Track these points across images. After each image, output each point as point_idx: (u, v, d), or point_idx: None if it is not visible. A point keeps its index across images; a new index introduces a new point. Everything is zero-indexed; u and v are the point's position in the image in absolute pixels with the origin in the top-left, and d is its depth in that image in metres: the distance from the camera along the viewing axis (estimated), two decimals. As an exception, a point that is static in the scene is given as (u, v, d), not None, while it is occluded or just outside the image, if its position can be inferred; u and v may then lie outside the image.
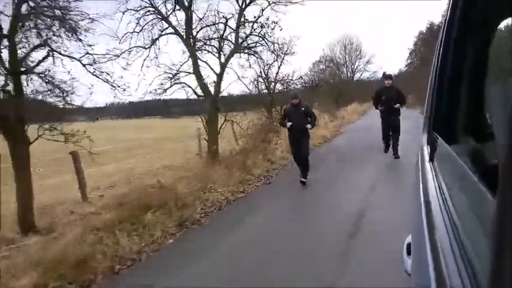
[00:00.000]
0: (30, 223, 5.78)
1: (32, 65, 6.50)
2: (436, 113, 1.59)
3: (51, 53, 6.57)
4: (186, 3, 9.72)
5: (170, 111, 14.72)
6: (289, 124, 7.99)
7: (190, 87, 10.33)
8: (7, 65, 6.35)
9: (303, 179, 8.08)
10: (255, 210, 6.21)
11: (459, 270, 0.66)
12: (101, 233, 4.67)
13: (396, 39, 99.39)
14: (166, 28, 9.77)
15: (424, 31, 58.95)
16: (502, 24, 1.15)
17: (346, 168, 9.33)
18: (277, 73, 13.09)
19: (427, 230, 1.00)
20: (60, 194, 7.84)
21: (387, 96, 9.65)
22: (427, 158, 1.56)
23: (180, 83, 10.19)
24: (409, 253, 1.42)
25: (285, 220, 5.99)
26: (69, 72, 6.70)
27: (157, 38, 9.67)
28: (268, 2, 10.58)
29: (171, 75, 10.03)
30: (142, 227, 5.09)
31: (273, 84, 13.21)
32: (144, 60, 9.44)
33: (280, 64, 12.75)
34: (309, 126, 7.96)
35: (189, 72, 10.08)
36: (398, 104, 9.53)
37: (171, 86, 10.14)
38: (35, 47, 6.57)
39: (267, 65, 12.31)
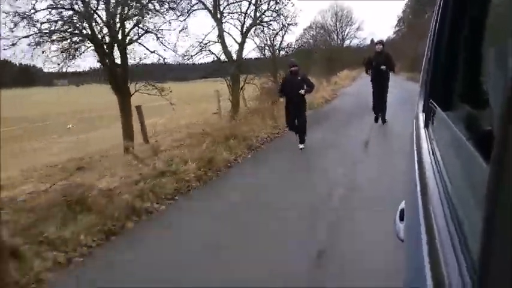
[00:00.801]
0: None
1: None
2: (432, 80, 1.55)
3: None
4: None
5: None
6: (280, 95, 8.92)
7: (214, 53, 12.30)
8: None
9: (300, 145, 8.25)
10: (294, 140, 8.36)
11: (451, 235, 0.66)
12: (211, 148, 7.32)
13: (386, 5, 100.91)
14: (196, 3, 11.69)
15: None
16: None
17: (350, 118, 11.51)
18: (281, 42, 14.55)
19: (420, 196, 1.01)
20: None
21: (377, 61, 9.84)
22: (422, 124, 1.54)
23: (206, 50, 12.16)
24: (402, 219, 1.40)
25: (320, 140, 8.95)
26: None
27: (191, 11, 11.41)
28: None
29: (200, 43, 11.91)
30: (229, 148, 7.70)
31: (277, 51, 14.59)
32: (180, 31, 11.12)
33: (284, 33, 14.22)
34: (302, 91, 8.10)
35: (216, 42, 12.10)
36: (384, 66, 9.70)
37: (200, 52, 12.05)
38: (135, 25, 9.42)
39: (274, 34, 13.83)
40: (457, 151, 0.90)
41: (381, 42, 10.62)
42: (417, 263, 0.78)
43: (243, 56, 12.52)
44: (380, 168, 6.27)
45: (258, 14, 12.43)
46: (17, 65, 12.37)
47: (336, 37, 44.45)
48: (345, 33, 45.39)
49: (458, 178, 0.82)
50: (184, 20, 11.22)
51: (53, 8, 8.23)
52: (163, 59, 10.16)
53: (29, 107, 21.14)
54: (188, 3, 11.23)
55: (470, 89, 1.18)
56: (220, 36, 11.92)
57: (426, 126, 1.49)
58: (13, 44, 8.04)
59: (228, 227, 4.35)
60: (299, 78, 8.24)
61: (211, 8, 11.75)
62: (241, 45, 12.29)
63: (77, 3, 8.48)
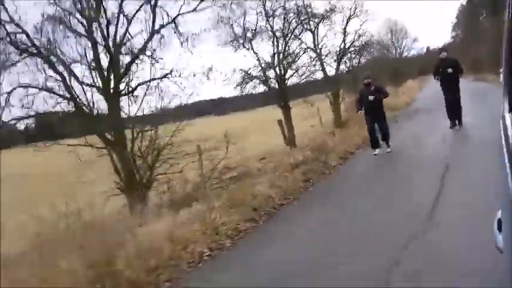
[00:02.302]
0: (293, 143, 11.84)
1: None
2: None
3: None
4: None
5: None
6: (360, 112, 9.25)
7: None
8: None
9: (388, 149, 8.88)
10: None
11: None
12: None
13: (436, 14, 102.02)
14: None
15: (465, 3, 60.24)
16: None
17: (434, 112, 12.74)
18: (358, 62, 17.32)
19: None
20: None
21: (444, 66, 9.79)
22: (510, 126, 1.41)
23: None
24: (500, 229, 1.32)
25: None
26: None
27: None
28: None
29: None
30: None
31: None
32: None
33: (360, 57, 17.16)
34: (370, 97, 8.75)
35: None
36: (451, 70, 9.59)
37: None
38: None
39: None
40: None
41: (444, 49, 10.94)
42: None
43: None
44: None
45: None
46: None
47: (393, 51, 46.63)
48: (402, 46, 47.28)
49: None
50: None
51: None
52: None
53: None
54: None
55: None
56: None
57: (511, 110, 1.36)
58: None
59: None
60: (372, 88, 8.98)
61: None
62: (337, 68, 15.93)
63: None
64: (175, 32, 9.05)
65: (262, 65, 13.60)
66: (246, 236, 5.07)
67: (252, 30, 13.24)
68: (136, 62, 8.47)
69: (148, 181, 7.78)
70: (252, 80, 13.94)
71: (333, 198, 6.37)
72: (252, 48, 13.40)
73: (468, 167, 5.96)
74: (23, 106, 8.00)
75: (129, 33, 8.42)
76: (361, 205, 5.44)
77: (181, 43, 9.22)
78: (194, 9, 9.29)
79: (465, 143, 8.12)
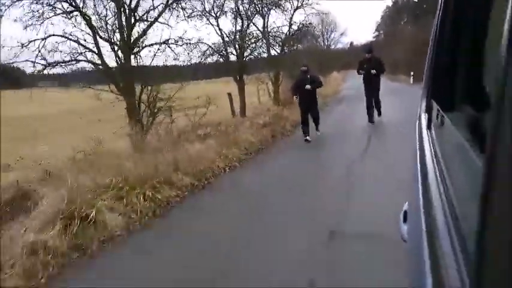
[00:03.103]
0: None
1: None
2: (434, 81, 1.58)
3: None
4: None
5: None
6: (296, 97, 9.92)
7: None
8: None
9: (318, 132, 9.66)
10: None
11: (451, 237, 0.69)
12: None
13: (365, 9, 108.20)
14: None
15: (390, 5, 62.93)
16: None
17: (357, 100, 14.00)
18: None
19: (422, 198, 1.03)
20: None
21: (368, 65, 10.46)
22: (424, 125, 1.59)
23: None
24: (405, 220, 1.46)
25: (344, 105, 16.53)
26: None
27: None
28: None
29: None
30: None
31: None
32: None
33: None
34: (308, 86, 9.07)
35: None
36: (374, 71, 10.31)
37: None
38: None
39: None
40: (457, 152, 0.90)
41: (370, 49, 11.41)
42: (419, 264, 0.80)
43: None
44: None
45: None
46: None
47: (322, 42, 49.69)
48: (330, 39, 49.21)
49: (459, 180, 0.83)
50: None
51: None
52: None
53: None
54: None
55: (472, 90, 1.18)
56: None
57: (428, 127, 1.52)
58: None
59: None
60: (309, 76, 9.37)
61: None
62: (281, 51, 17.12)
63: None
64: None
65: (225, 40, 14.78)
66: (246, 161, 7.98)
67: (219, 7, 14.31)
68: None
69: (151, 124, 10.01)
70: (213, 54, 14.99)
71: (298, 146, 9.40)
72: (218, 25, 14.52)
73: (382, 135, 9.33)
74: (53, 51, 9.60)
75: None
76: (321, 148, 8.78)
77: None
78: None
79: (381, 122, 10.72)
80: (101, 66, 10.03)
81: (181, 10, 11.21)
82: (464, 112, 1.17)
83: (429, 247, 0.78)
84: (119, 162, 6.01)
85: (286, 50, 17.42)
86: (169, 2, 10.67)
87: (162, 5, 10.61)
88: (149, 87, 9.97)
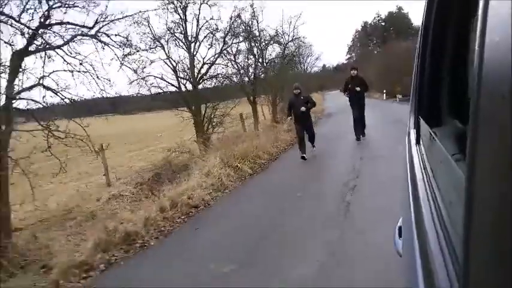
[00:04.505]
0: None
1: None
2: (420, 97, 1.59)
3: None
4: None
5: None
6: (288, 119, 10.39)
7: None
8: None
9: (313, 149, 10.26)
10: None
11: (442, 250, 0.70)
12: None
13: (336, 33, 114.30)
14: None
15: (360, 29, 65.67)
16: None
17: (344, 114, 16.15)
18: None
19: (414, 213, 1.04)
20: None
21: (353, 84, 10.91)
22: (413, 141, 1.61)
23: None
24: (400, 235, 1.47)
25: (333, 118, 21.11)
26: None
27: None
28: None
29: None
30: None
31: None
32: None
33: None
34: (303, 108, 9.29)
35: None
36: (359, 88, 10.78)
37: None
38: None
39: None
40: (445, 167, 0.91)
41: (354, 67, 11.97)
42: (413, 277, 0.81)
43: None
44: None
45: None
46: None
47: (299, 66, 52.62)
48: (307, 63, 52.09)
49: (448, 193, 0.83)
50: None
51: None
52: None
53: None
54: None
55: (456, 104, 1.21)
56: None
57: (417, 142, 1.54)
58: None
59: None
60: (302, 98, 9.61)
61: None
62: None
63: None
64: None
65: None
66: (290, 147, 12.65)
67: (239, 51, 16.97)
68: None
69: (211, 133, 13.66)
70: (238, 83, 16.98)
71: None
72: (235, 60, 16.64)
73: (371, 142, 11.29)
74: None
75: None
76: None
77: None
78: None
79: (367, 126, 12.15)
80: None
81: (227, 55, 15.96)
82: (450, 126, 1.21)
83: (422, 261, 0.80)
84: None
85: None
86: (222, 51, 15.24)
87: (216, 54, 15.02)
88: (208, 107, 13.80)
